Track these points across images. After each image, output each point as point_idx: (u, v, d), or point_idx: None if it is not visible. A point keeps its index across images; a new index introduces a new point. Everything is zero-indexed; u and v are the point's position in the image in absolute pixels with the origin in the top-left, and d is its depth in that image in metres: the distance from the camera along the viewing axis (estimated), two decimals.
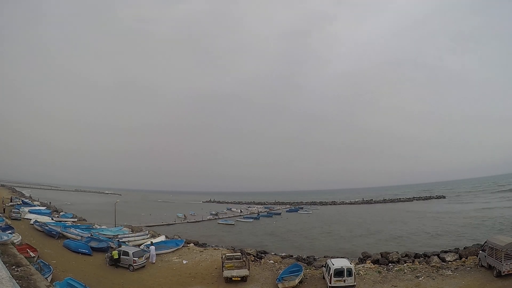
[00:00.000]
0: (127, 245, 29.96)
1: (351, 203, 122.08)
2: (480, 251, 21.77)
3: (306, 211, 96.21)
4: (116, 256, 24.26)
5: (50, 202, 76.58)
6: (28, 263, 13.71)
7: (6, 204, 54.39)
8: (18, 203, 58.45)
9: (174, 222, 65.94)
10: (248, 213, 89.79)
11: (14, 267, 12.25)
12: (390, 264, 24.57)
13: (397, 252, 27.69)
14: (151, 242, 30.33)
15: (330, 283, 19.42)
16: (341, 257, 23.84)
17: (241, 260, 23.92)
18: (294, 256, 30.55)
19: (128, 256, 24.06)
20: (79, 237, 31.68)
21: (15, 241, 22.75)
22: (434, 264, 23.26)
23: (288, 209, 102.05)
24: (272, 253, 32.01)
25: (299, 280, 21.12)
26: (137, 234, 37.70)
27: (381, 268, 23.65)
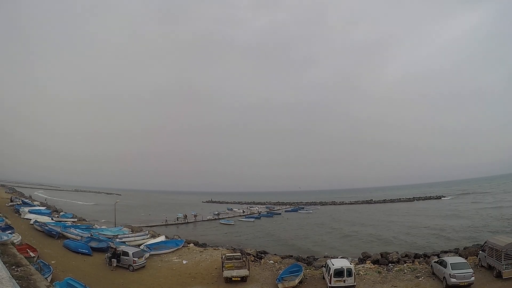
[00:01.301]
0: (127, 245, 30.00)
1: (351, 203, 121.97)
2: (480, 251, 21.78)
3: (306, 211, 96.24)
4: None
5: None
6: (28, 263, 13.69)
7: (6, 204, 54.42)
8: (18, 203, 58.41)
9: (174, 222, 65.93)
10: (249, 213, 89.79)
11: (14, 267, 12.23)
12: (390, 264, 24.57)
13: (397, 252, 27.72)
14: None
15: (330, 283, 19.42)
16: (341, 257, 23.86)
17: (241, 260, 23.91)
18: (294, 256, 30.53)
19: (128, 256, 24.06)
20: (79, 237, 31.69)
21: (15, 241, 22.74)
22: None
23: (288, 209, 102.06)
24: (272, 253, 31.99)
25: (299, 280, 21.13)
26: (137, 234, 37.69)
27: (381, 268, 23.66)
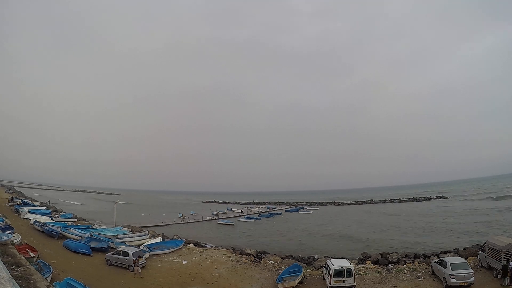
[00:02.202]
0: (127, 245, 30.01)
1: (351, 204, 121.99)
2: (480, 252, 21.78)
3: (306, 211, 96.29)
4: None
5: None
6: (28, 263, 13.71)
7: (6, 204, 54.41)
8: (18, 203, 58.42)
9: (174, 222, 65.90)
10: (249, 213, 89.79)
11: (14, 267, 12.25)
12: (390, 265, 24.58)
13: (397, 252, 27.73)
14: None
15: (330, 283, 19.41)
16: (341, 258, 23.86)
17: None
18: (294, 257, 30.50)
19: (128, 256, 24.04)
20: (78, 237, 31.70)
21: (15, 241, 22.77)
22: None
23: (288, 209, 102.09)
24: (272, 254, 31.98)
25: (299, 280, 21.11)
26: (137, 234, 37.69)
27: (381, 268, 23.66)
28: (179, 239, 35.89)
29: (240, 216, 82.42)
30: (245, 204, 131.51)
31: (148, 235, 37.46)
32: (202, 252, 30.64)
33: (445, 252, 27.16)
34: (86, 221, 51.31)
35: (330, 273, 19.54)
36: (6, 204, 54.44)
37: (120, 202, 67.28)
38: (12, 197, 66.81)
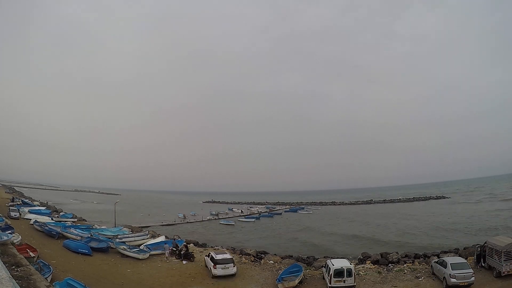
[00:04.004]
0: (127, 245, 30.00)
1: (350, 203, 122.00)
2: (478, 250, 21.79)
3: (306, 211, 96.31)
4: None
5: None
6: (28, 263, 13.69)
7: (6, 204, 54.35)
8: (18, 203, 58.43)
9: (174, 222, 65.92)
10: (249, 213, 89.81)
11: (14, 267, 12.23)
12: (390, 265, 24.56)
13: (397, 252, 27.73)
14: None
15: (330, 283, 19.41)
16: (341, 258, 23.86)
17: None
18: (294, 256, 30.49)
19: None
20: (79, 237, 31.66)
21: (14, 241, 22.72)
22: None
23: (288, 209, 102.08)
24: (272, 254, 31.97)
25: (299, 280, 21.09)
26: (137, 234, 37.68)
27: (381, 268, 23.65)
28: (179, 239, 35.87)
29: (240, 216, 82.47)
30: (245, 204, 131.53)
31: (148, 235, 37.44)
32: (202, 252, 30.62)
33: (445, 252, 27.16)
34: (86, 221, 51.31)
35: (330, 273, 19.54)
36: (6, 204, 54.39)
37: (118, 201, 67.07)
38: (13, 197, 66.88)
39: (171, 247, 28.59)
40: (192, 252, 28.57)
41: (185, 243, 29.99)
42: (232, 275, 22.66)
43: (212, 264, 22.73)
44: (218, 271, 22.31)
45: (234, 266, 23.02)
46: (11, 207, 47.41)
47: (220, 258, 22.95)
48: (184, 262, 26.44)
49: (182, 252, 27.49)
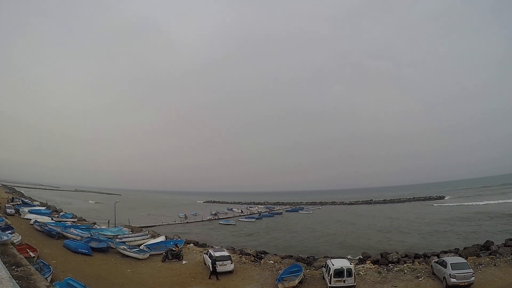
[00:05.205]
0: (127, 245, 30.01)
1: (351, 203, 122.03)
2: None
3: (306, 211, 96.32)
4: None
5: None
6: (28, 263, 13.67)
7: (6, 204, 54.34)
8: (18, 203, 58.47)
9: (174, 222, 65.95)
10: (249, 213, 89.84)
11: (14, 267, 12.22)
12: (390, 265, 24.55)
13: (397, 252, 27.71)
14: None
15: (330, 283, 19.40)
16: (341, 257, 23.85)
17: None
18: (294, 256, 30.48)
19: None
20: (78, 237, 31.68)
21: (15, 241, 22.72)
22: None
23: (288, 209, 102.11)
24: (272, 253, 31.98)
25: (299, 280, 21.10)
26: (137, 234, 37.69)
27: (381, 268, 23.62)
28: (179, 238, 35.88)
29: (240, 216, 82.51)
30: (245, 204, 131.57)
31: (148, 235, 37.45)
32: (202, 252, 30.63)
33: (445, 252, 27.15)
34: (86, 221, 51.32)
35: (330, 273, 19.52)
36: (7, 204, 54.38)
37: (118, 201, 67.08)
38: (12, 197, 66.88)
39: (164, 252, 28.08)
40: (181, 251, 28.61)
41: (175, 246, 29.18)
42: (230, 272, 23.30)
43: (210, 261, 23.20)
44: (217, 268, 22.79)
45: (231, 263, 23.65)
46: (6, 205, 47.73)
47: (218, 255, 23.54)
48: (175, 261, 26.74)
49: (168, 253, 27.36)
